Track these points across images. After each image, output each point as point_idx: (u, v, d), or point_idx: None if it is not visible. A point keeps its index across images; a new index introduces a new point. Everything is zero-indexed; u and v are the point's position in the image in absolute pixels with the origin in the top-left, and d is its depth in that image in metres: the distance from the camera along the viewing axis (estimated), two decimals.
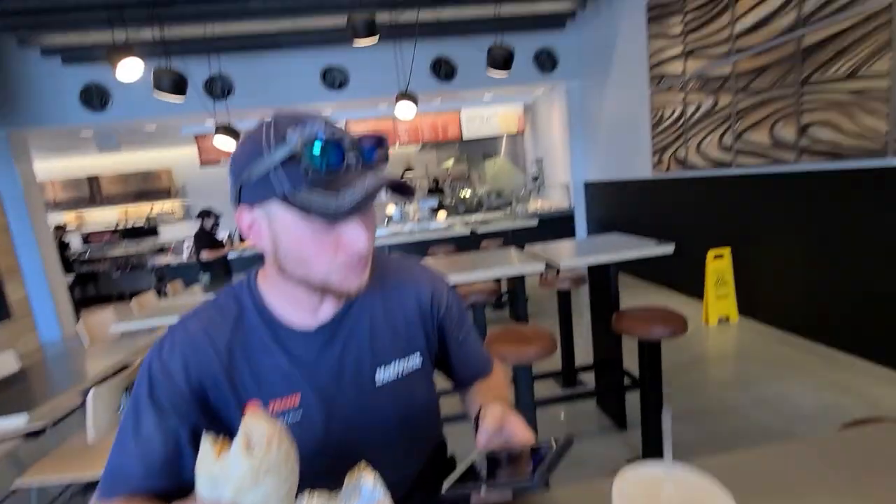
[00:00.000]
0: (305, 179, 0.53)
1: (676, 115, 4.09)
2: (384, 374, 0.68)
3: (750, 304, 3.48)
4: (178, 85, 3.42)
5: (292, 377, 0.63)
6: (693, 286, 4.05)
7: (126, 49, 3.49)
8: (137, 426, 0.59)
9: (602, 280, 2.17)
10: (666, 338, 1.74)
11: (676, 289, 4.46)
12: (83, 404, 2.52)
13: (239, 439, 0.39)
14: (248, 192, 0.56)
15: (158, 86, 3.35)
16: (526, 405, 1.78)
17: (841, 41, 2.53)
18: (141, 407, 0.60)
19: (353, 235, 0.57)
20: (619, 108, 5.15)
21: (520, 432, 0.61)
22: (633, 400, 2.27)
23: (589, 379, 2.77)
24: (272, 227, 0.57)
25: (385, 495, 0.54)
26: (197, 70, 4.96)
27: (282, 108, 0.58)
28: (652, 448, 1.90)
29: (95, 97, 5.10)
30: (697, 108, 3.80)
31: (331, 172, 0.53)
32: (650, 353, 1.80)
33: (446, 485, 0.59)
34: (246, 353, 0.63)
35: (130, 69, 3.40)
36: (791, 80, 2.88)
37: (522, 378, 1.76)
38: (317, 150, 0.52)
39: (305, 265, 0.58)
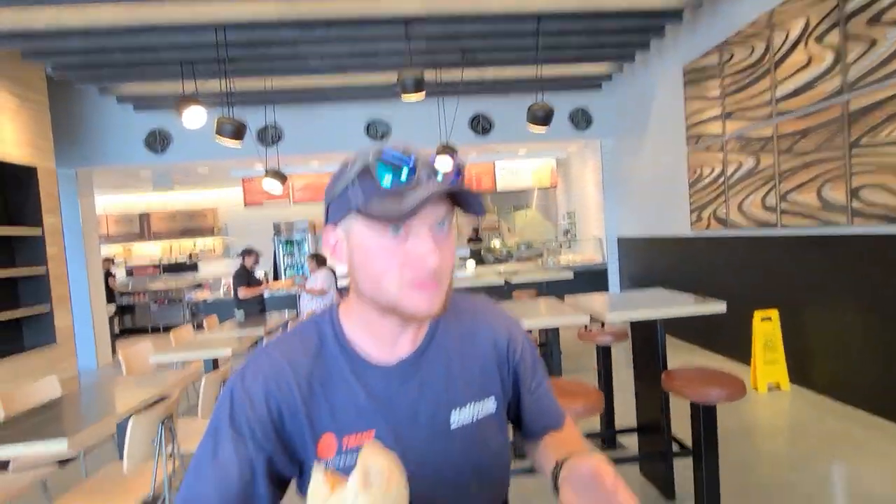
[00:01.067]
0: (377, 191, 0.55)
1: (716, 174, 4.08)
2: (459, 417, 0.66)
3: (801, 371, 3.26)
4: (238, 131, 3.69)
5: (368, 413, 0.62)
6: (736, 349, 3.85)
7: (193, 98, 3.81)
8: (216, 452, 0.59)
9: (648, 336, 2.10)
10: (722, 402, 1.63)
11: (718, 350, 4.24)
12: (116, 435, 2.53)
13: (357, 474, 0.36)
14: (332, 210, 0.61)
15: (220, 132, 3.62)
16: None
17: (892, 106, 2.51)
18: (221, 432, 0.60)
19: (423, 250, 0.56)
20: (655, 165, 5.18)
21: (623, 494, 0.53)
22: (681, 468, 2.12)
23: (629, 442, 2.60)
24: (349, 244, 0.60)
25: None
26: (252, 118, 5.33)
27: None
28: None
29: (158, 141, 5.51)
30: (738, 168, 3.78)
31: (399, 182, 0.55)
32: (706, 417, 1.69)
33: None
34: (324, 385, 0.63)
35: (196, 116, 3.70)
36: (838, 142, 2.85)
37: None
38: (388, 162, 0.55)
39: (376, 282, 0.58)
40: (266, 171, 4.42)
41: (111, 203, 8.53)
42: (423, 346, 0.67)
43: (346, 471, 0.46)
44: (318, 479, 0.37)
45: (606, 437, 2.64)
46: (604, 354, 2.64)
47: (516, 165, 7.88)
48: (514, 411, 0.77)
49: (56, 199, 4.50)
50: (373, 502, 0.35)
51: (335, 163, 7.07)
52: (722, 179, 4.00)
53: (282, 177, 4.42)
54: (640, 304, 2.19)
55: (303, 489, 0.66)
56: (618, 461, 2.47)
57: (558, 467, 0.64)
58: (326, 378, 0.64)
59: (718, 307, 1.96)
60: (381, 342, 0.65)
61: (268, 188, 4.46)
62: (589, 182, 6.90)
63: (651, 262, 5.46)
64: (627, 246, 6.01)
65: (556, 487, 0.64)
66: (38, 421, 1.99)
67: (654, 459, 2.23)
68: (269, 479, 0.60)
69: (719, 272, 4.15)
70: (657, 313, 1.93)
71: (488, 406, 0.69)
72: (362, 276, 0.60)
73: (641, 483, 2.29)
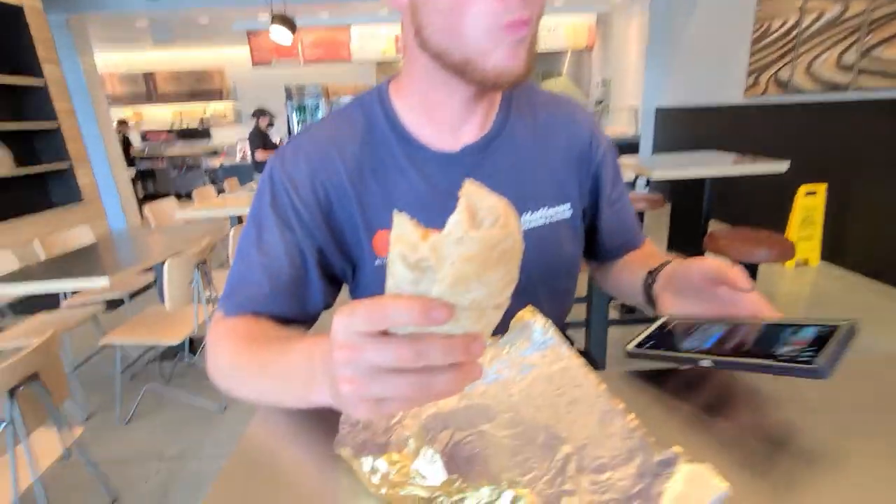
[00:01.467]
0: None
1: (788, 26, 3.52)
2: (531, 218, 0.57)
3: (835, 248, 3.17)
4: None
5: (429, 205, 0.53)
6: (771, 223, 3.71)
7: None
8: (260, 238, 0.52)
9: (692, 197, 1.97)
10: (769, 262, 1.56)
11: (749, 224, 4.12)
12: (156, 281, 2.65)
13: (461, 211, 0.25)
14: None
15: None
16: (600, 321, 1.69)
17: None
18: (263, 219, 0.52)
19: None
20: (714, 20, 4.51)
21: (756, 299, 0.44)
22: None
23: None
24: None
25: (560, 341, 0.45)
26: None
27: None
28: None
29: None
30: (818, 18, 3.24)
31: None
32: None
33: (632, 344, 0.48)
34: (377, 171, 0.53)
35: None
36: None
37: (600, 290, 1.66)
38: None
39: (447, 21, 0.44)
40: (273, 17, 3.95)
41: (112, 61, 8.02)
42: (493, 133, 0.55)
43: None
44: (402, 226, 0.26)
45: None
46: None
47: (550, 22, 7.00)
48: (588, 224, 0.67)
49: (52, 48, 4.18)
50: (488, 246, 0.24)
51: (348, 14, 6.35)
52: (794, 33, 3.46)
53: (290, 24, 3.96)
54: (685, 163, 2.01)
55: (357, 294, 0.61)
56: (635, 322, 2.54)
57: (653, 276, 0.56)
58: (378, 165, 0.53)
59: (780, 167, 1.78)
60: (441, 126, 0.53)
61: (275, 37, 4.03)
62: (631, 43, 6.14)
63: (690, 134, 5.08)
64: (665, 117, 5.55)
65: (649, 298, 0.56)
66: (79, 262, 2.05)
67: None
68: (320, 271, 0.54)
69: (768, 144, 3.83)
70: (710, 171, 1.77)
71: (562, 212, 0.60)
72: (429, 17, 0.44)
73: None
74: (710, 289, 0.47)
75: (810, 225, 3.20)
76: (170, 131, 8.48)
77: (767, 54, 3.74)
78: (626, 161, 2.20)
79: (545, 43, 7.21)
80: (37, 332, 1.98)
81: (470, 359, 0.27)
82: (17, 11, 3.78)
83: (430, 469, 0.29)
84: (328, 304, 0.57)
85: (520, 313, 0.47)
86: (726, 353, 0.40)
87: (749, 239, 1.60)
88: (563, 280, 0.63)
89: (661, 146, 5.71)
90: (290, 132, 7.46)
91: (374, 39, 6.60)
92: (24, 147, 3.94)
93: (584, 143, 0.61)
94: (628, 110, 6.17)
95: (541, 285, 0.60)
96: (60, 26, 5.12)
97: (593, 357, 0.76)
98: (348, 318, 0.27)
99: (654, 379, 0.49)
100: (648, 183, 5.11)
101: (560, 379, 0.42)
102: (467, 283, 0.25)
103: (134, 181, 6.88)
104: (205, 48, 8.03)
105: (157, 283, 2.66)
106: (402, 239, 0.26)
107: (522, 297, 0.58)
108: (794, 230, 3.21)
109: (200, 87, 8.21)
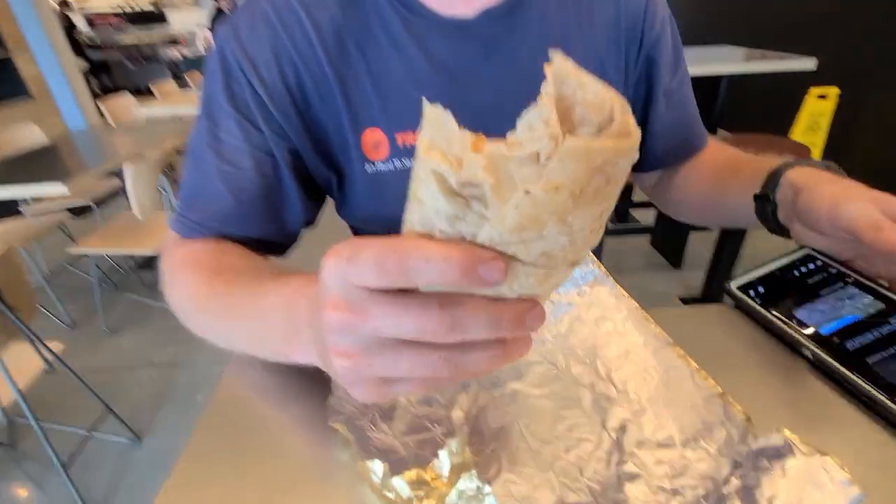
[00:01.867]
0: None
1: None
2: None
3: (837, 158, 3.08)
4: None
5: (433, 91, 0.41)
6: (771, 129, 3.57)
7: None
8: (216, 138, 0.39)
9: (706, 98, 1.81)
10: None
11: (746, 130, 3.98)
12: (124, 188, 2.48)
13: (547, 104, 0.14)
14: None
15: None
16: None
17: None
18: (217, 112, 0.39)
19: None
20: None
21: None
22: (696, 240, 2.15)
23: (642, 216, 2.60)
24: None
25: (605, 275, 0.36)
26: None
27: None
28: (714, 288, 1.82)
29: None
30: None
31: None
32: None
33: (738, 283, 0.38)
34: (363, 46, 0.40)
35: None
36: None
37: None
38: None
39: None
40: None
41: None
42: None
43: (404, 177, 0.26)
44: (439, 122, 0.15)
45: (620, 210, 2.63)
46: None
47: None
48: (637, 121, 0.53)
49: None
50: (590, 166, 0.14)
51: None
52: None
53: None
54: (701, 58, 1.81)
55: (346, 210, 0.51)
56: (628, 232, 2.51)
57: (769, 200, 0.40)
58: (365, 36, 0.39)
59: (807, 64, 1.61)
60: None
61: None
62: None
63: (695, 24, 4.66)
64: (671, 4, 5.05)
65: (776, 227, 0.42)
66: (36, 166, 1.87)
67: (669, 232, 2.24)
68: (297, 178, 0.42)
69: (785, 37, 3.53)
70: (734, 68, 1.59)
71: None
72: None
73: (650, 252, 2.37)
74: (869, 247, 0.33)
75: (815, 131, 3.07)
76: (119, 15, 7.50)
77: None
78: None
79: None
80: None
81: (522, 333, 0.18)
82: None
83: None
84: (309, 221, 0.47)
85: None
86: (845, 352, 0.29)
87: (761, 144, 1.50)
88: None
89: None
90: None
91: None
92: None
93: (637, 14, 0.46)
94: None
95: None
96: None
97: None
98: (347, 264, 0.17)
99: (741, 323, 0.36)
100: None
101: (606, 324, 0.34)
102: (541, 225, 0.15)
103: (87, 75, 6.20)
104: None
105: (125, 189, 2.48)
106: (438, 147, 0.15)
107: None
108: (797, 136, 3.08)
109: None
